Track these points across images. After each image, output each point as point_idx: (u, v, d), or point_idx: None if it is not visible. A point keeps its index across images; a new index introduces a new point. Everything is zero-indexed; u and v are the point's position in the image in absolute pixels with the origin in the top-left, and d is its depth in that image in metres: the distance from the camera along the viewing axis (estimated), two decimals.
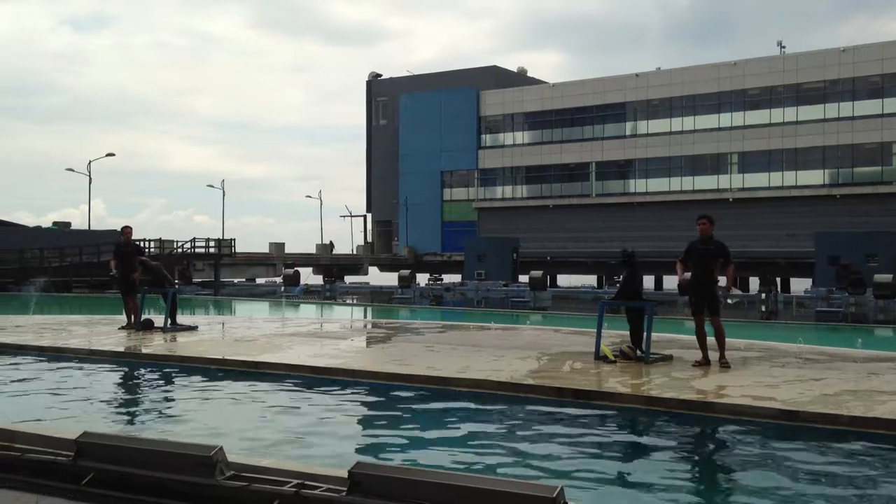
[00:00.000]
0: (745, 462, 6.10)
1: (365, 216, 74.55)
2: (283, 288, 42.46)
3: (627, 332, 10.87)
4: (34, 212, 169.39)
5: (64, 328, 15.23)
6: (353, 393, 8.84)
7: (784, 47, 55.30)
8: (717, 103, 54.05)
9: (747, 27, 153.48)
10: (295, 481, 4.12)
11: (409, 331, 15.29)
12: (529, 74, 71.68)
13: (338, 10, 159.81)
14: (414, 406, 8.23)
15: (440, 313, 27.82)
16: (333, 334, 14.61)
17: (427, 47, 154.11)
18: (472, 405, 8.07)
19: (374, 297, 40.54)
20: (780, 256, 47.85)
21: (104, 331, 14.78)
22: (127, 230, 15.84)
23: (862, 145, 49.65)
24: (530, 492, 3.55)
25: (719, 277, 10.32)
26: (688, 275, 10.20)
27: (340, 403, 8.39)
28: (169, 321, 14.76)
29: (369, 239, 73.12)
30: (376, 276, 59.62)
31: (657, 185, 56.39)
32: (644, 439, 7.00)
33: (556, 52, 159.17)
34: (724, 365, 9.63)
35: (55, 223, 58.35)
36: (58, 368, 10.74)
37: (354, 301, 38.76)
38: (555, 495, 3.43)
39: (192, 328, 14.97)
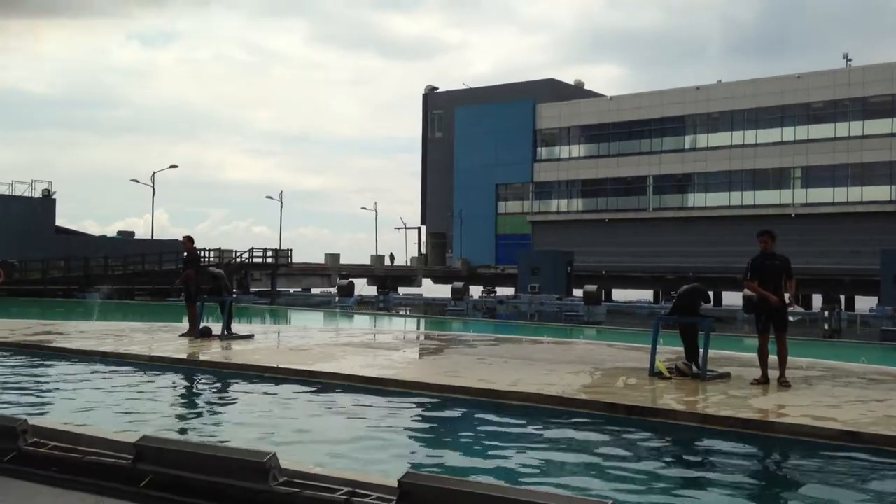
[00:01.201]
0: (802, 483, 5.96)
1: (419, 228, 74.92)
2: (337, 298, 42.87)
3: (682, 349, 10.70)
4: (100, 221, 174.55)
5: (126, 335, 15.62)
6: (404, 404, 8.88)
7: (850, 60, 54.00)
8: (780, 117, 52.94)
9: (812, 40, 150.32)
10: (345, 489, 4.16)
11: (461, 343, 15.29)
12: (587, 88, 71.30)
13: (396, 24, 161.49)
14: (465, 418, 8.23)
15: (493, 326, 27.74)
16: (386, 345, 14.70)
17: (484, 60, 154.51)
18: (523, 419, 8.03)
19: (428, 309, 40.67)
20: (845, 274, 46.56)
21: (164, 338, 15.12)
22: (185, 240, 16.01)
23: None
24: None
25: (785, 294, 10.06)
26: (747, 292, 9.99)
27: (392, 414, 8.43)
28: (225, 330, 15.02)
29: (423, 251, 73.39)
30: (430, 288, 59.78)
31: (716, 199, 55.40)
32: (698, 457, 6.88)
33: (614, 66, 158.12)
34: (784, 384, 9.41)
35: (119, 232, 59.97)
36: (119, 374, 11.02)
37: (408, 312, 38.92)
38: None
39: (249, 337, 15.20)
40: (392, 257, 70.01)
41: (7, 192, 51.91)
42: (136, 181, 59.39)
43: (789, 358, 9.93)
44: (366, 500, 4.02)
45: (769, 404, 8.21)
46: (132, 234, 59.56)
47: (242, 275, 50.88)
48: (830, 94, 51.05)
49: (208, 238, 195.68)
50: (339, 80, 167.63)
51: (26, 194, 52.74)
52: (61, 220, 54.67)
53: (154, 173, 58.45)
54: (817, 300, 44.64)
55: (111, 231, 62.72)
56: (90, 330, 16.70)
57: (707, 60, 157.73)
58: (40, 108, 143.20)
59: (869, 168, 50.07)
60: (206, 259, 45.42)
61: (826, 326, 30.05)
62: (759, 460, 6.85)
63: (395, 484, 3.93)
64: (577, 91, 68.91)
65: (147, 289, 43.42)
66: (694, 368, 10.10)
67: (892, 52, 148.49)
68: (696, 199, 56.72)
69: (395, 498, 3.91)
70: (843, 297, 44.96)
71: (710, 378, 9.84)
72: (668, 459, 6.66)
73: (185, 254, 16.36)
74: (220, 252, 51.89)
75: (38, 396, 9.26)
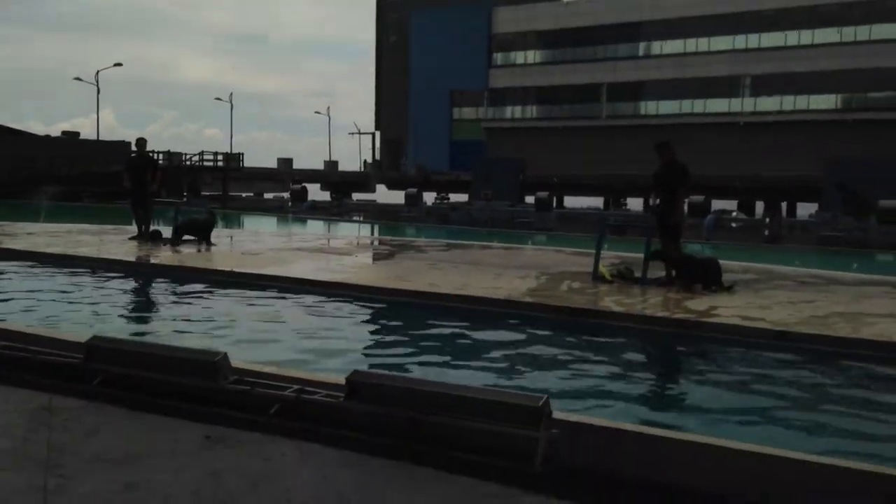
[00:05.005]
0: (728, 378, 6.33)
1: (374, 134, 74.17)
2: (290, 203, 42.65)
3: (626, 254, 11.03)
4: (46, 121, 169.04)
5: (74, 237, 15.46)
6: (354, 307, 9.06)
7: None
8: (733, 24, 52.87)
9: None
10: (295, 386, 4.35)
11: (413, 248, 15.48)
12: None
13: None
14: (413, 321, 8.45)
15: (445, 232, 28.01)
16: (338, 250, 14.82)
17: None
18: (470, 321, 8.27)
19: (381, 215, 40.70)
20: (790, 182, 47.58)
21: (114, 240, 15.01)
22: (141, 142, 16.12)
23: (877, 70, 48.70)
24: (517, 401, 3.76)
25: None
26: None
27: (341, 316, 8.62)
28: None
29: (377, 157, 72.85)
30: (384, 194, 59.64)
31: (668, 107, 55.68)
32: (634, 356, 7.23)
33: None
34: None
35: (64, 132, 58.27)
36: (68, 275, 10.99)
37: (361, 218, 38.96)
38: (540, 404, 3.63)
39: (199, 241, 15.14)
40: (365, 164, 70.00)
41: None
42: (80, 79, 57.44)
43: (726, 262, 10.37)
44: (315, 396, 4.22)
45: (703, 306, 8.58)
46: (77, 134, 57.93)
47: (192, 178, 50.09)
48: (782, 1, 51.00)
49: (158, 140, 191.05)
50: None
51: None
52: (2, 119, 52.98)
53: (98, 72, 56.57)
54: (760, 207, 45.76)
55: (56, 131, 60.93)
56: (37, 231, 16.49)
57: None
58: None
59: (817, 77, 50.58)
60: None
61: (766, 232, 30.94)
62: (689, 358, 7.23)
63: (343, 381, 4.13)
64: None
65: (95, 191, 42.57)
66: (635, 273, 10.44)
67: None
68: (649, 108, 56.93)
69: (342, 394, 4.12)
70: (785, 205, 46.15)
71: (650, 282, 10.18)
72: (604, 358, 6.99)
73: (138, 154, 16.17)
74: (169, 154, 50.84)
75: None
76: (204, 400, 4.36)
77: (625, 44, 57.66)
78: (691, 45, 54.78)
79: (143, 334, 7.61)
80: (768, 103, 52.26)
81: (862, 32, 48.96)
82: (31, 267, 11.71)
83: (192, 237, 14.80)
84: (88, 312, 8.42)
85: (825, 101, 50.64)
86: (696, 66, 54.34)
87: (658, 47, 56.46)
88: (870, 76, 49.04)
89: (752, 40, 52.47)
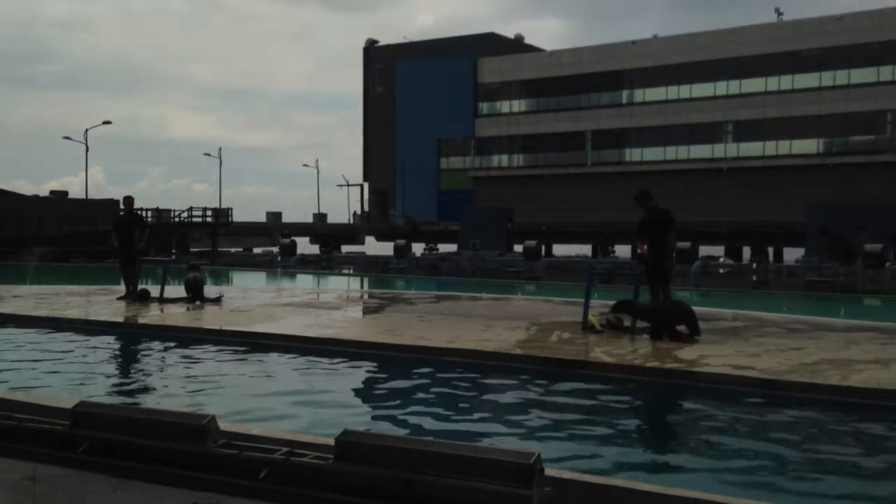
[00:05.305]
0: (719, 430, 6.30)
1: (362, 185, 74.46)
2: (279, 258, 42.60)
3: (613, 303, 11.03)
4: (34, 180, 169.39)
5: (61, 298, 15.38)
6: (344, 363, 9.01)
7: (781, 14, 55.07)
8: (714, 71, 53.83)
9: None
10: (284, 449, 4.31)
11: (402, 301, 15.45)
12: (529, 42, 71.25)
13: None
14: (403, 376, 8.41)
15: (435, 283, 28.01)
16: (328, 304, 14.78)
17: (428, 12, 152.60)
18: (460, 375, 8.24)
19: (370, 267, 40.68)
20: (774, 226, 47.92)
21: (101, 300, 14.93)
22: (129, 200, 16.27)
23: (856, 114, 49.54)
24: (508, 459, 3.74)
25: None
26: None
27: (331, 373, 8.57)
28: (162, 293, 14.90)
29: (366, 208, 73.07)
30: (373, 246, 59.66)
31: (652, 154, 56.33)
32: (626, 407, 7.20)
33: (557, 20, 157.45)
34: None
35: (52, 192, 58.32)
36: (55, 338, 10.90)
37: (350, 271, 38.93)
38: (532, 461, 3.61)
39: (187, 299, 15.09)
40: (354, 215, 70.71)
41: None
42: (69, 138, 57.71)
43: (716, 309, 10.43)
44: (304, 459, 4.19)
45: (693, 355, 8.58)
46: (66, 193, 57.98)
47: (181, 235, 50.07)
48: (762, 48, 52.02)
49: (148, 197, 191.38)
50: (282, 32, 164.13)
51: None
52: None
53: (87, 130, 56.89)
54: (747, 252, 45.97)
55: (45, 191, 60.99)
56: (25, 294, 16.39)
57: (648, 14, 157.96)
58: None
59: (797, 122, 51.37)
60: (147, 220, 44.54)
61: (754, 278, 31.06)
62: (681, 408, 7.21)
63: (332, 442, 4.10)
64: (517, 45, 68.85)
65: (83, 250, 42.43)
66: (625, 322, 10.45)
67: (823, 6, 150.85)
68: (633, 154, 57.58)
69: (332, 456, 4.09)
70: (771, 249, 46.41)
71: (640, 331, 10.18)
72: (597, 410, 6.95)
73: (125, 212, 16.31)
74: (158, 211, 50.88)
75: None
76: (191, 465, 4.31)
77: (608, 92, 58.54)
78: (673, 92, 55.66)
79: (130, 397, 7.53)
80: (751, 149, 52.96)
81: (841, 77, 49.89)
82: (17, 331, 11.61)
83: (184, 296, 14.80)
84: (75, 376, 8.34)
85: (807, 146, 51.36)
86: (678, 112, 55.16)
87: (640, 95, 57.33)
88: (850, 120, 49.86)
89: (733, 86, 53.38)
